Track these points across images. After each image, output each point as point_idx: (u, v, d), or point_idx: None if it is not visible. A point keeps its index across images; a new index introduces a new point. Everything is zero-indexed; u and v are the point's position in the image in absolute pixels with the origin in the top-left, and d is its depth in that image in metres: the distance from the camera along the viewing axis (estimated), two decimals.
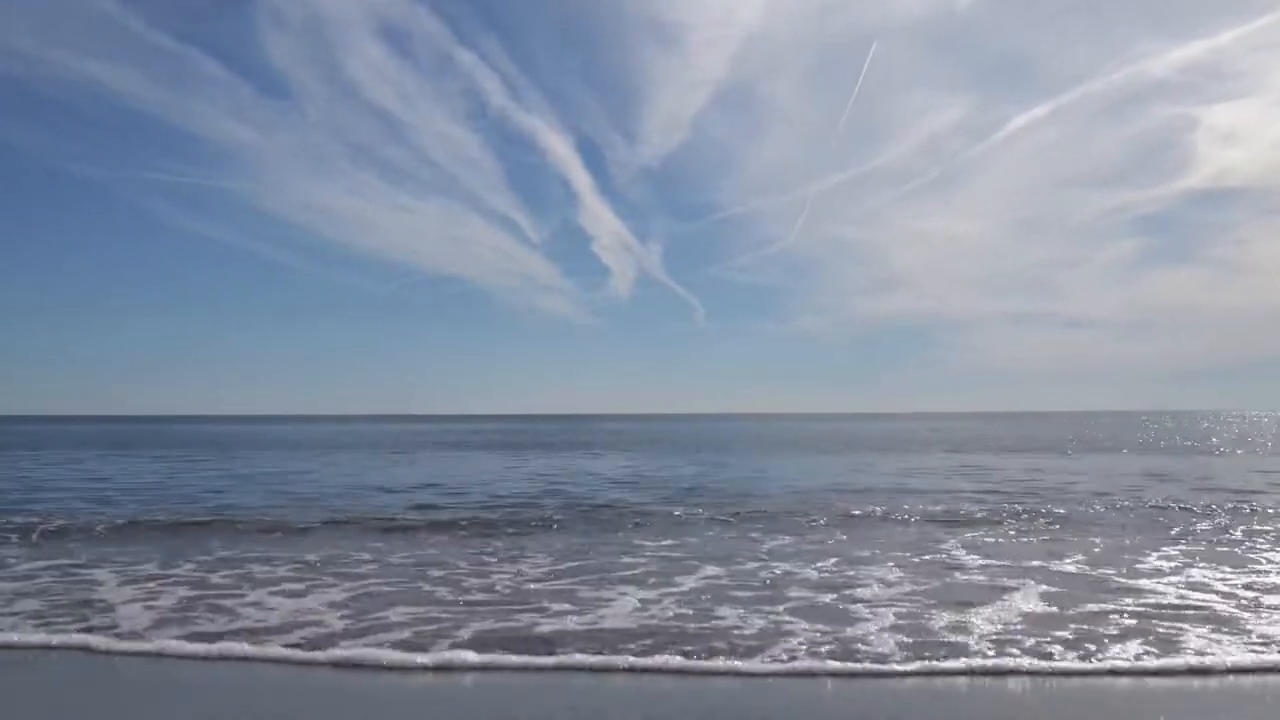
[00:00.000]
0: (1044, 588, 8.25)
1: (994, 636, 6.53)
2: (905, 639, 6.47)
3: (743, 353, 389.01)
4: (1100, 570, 9.12)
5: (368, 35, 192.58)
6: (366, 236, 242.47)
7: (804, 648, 6.29)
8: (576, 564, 9.76)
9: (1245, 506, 14.52)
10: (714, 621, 7.11)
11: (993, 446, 37.91)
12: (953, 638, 6.51)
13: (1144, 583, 8.46)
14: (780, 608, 7.55)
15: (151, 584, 8.67)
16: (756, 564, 9.69)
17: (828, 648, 6.29)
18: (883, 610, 7.37)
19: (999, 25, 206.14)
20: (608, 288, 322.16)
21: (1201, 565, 9.36)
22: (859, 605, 7.59)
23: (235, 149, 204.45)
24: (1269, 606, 7.46)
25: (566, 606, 7.63)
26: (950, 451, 34.06)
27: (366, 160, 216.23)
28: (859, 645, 6.35)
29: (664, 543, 11.22)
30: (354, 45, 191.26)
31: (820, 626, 6.87)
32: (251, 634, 6.76)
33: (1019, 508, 14.30)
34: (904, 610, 7.38)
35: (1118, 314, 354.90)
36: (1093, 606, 7.45)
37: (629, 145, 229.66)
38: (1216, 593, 8.03)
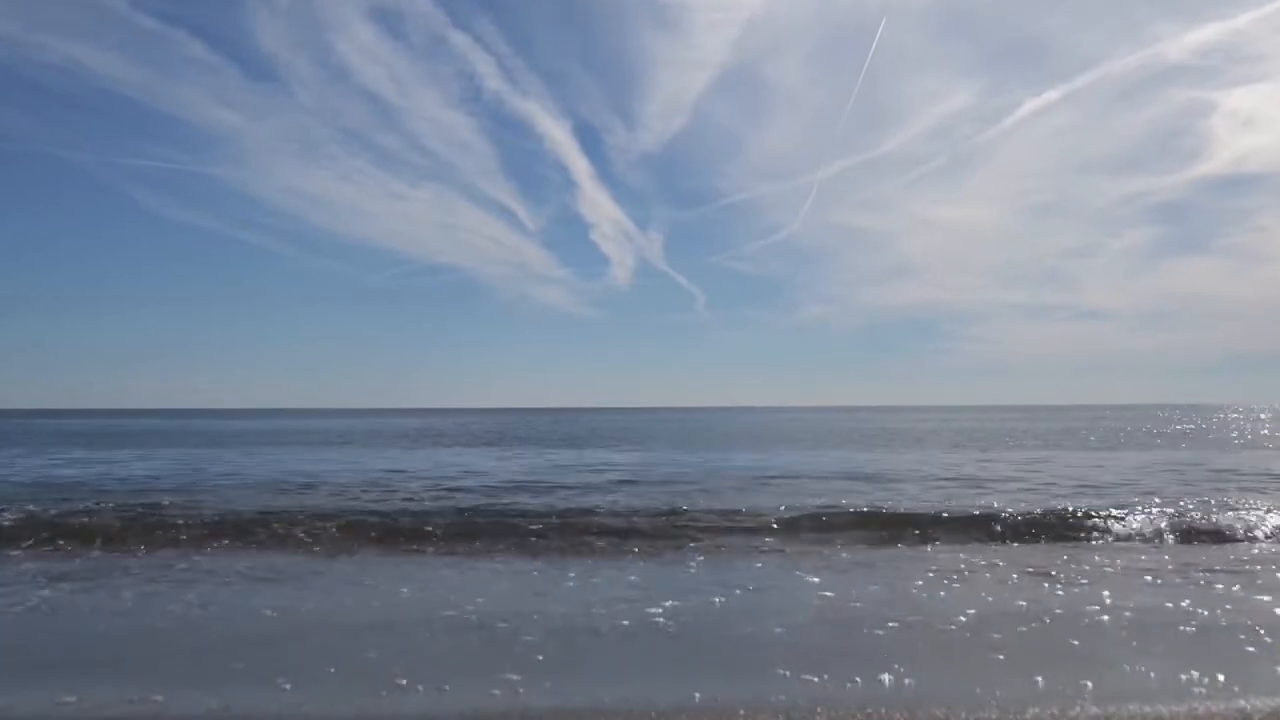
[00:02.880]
0: None
1: None
2: None
3: (746, 344, 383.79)
4: None
5: (358, 16, 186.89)
6: (357, 224, 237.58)
7: None
8: None
9: None
10: None
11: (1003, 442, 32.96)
12: None
13: None
14: None
15: None
16: None
17: None
18: None
19: (1010, 6, 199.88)
20: (607, 277, 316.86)
21: None
22: None
23: (222, 134, 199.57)
24: None
25: None
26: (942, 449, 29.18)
27: (357, 146, 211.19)
28: None
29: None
30: (344, 27, 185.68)
31: None
32: None
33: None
34: None
35: (1133, 305, 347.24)
36: None
37: (628, 130, 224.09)
38: None
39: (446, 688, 4.80)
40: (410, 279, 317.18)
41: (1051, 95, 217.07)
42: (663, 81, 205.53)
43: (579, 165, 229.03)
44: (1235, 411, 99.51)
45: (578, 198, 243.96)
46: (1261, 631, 5.88)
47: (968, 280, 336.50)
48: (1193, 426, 49.48)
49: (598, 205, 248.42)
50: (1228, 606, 6.63)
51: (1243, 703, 4.37)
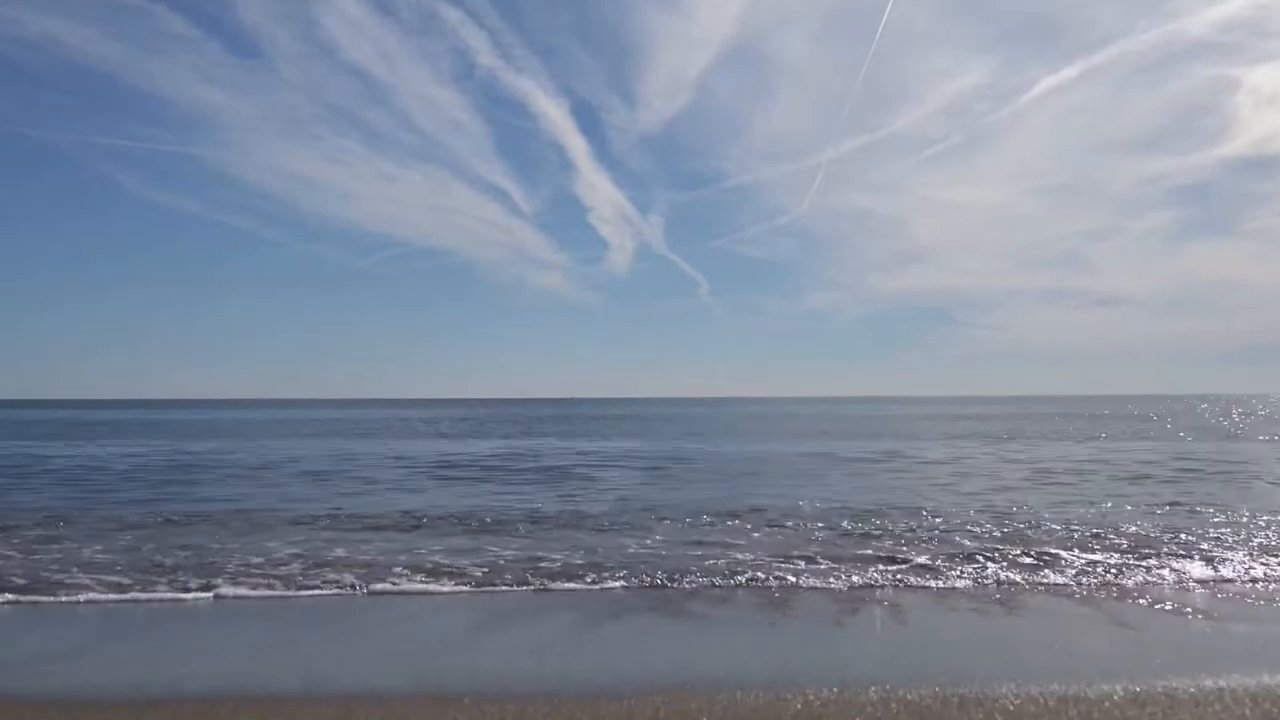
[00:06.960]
0: None
1: None
2: None
3: (750, 331, 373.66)
4: None
5: None
6: (345, 206, 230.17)
7: None
8: None
9: None
10: None
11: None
12: None
13: None
14: None
15: None
16: None
17: None
18: None
19: None
20: (605, 262, 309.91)
21: None
22: None
23: (203, 112, 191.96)
24: None
25: None
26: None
27: (345, 124, 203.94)
28: None
29: None
30: (331, 1, 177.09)
31: None
32: None
33: None
34: None
35: (1154, 290, 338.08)
36: None
37: (628, 109, 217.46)
38: None
39: None
40: (400, 263, 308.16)
41: (1069, 72, 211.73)
42: (663, 59, 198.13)
43: (576, 145, 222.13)
44: (1268, 404, 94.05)
45: (575, 179, 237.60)
46: None
47: (981, 265, 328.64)
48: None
49: (596, 187, 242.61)
50: None
51: None
